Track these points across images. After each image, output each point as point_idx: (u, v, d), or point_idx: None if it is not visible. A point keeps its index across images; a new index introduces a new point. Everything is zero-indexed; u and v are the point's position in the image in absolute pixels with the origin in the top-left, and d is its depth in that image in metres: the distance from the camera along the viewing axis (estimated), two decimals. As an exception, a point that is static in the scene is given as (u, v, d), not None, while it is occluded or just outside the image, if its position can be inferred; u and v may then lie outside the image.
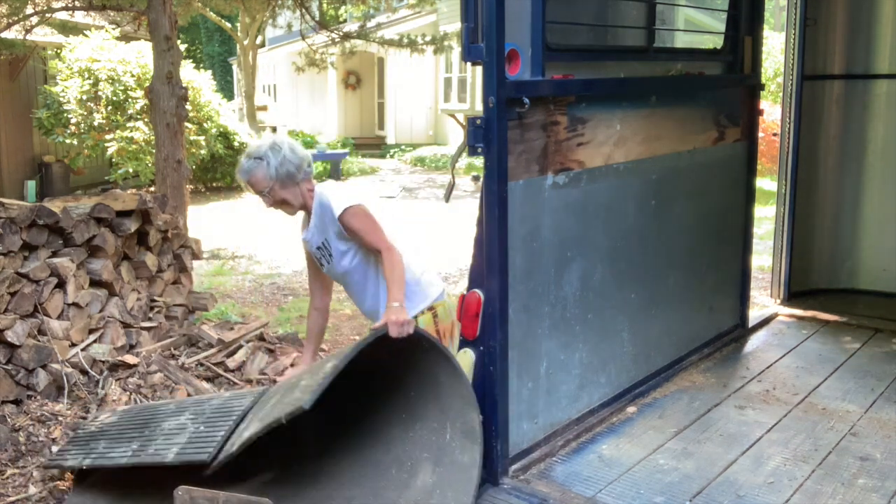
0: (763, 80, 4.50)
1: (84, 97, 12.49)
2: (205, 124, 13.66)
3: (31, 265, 4.29)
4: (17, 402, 4.03)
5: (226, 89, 30.80)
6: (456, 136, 20.47)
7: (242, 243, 9.98)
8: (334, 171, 16.98)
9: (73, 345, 4.45)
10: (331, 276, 3.28)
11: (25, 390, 4.09)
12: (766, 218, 8.12)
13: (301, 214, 3.23)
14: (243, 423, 2.77)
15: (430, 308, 3.18)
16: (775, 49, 15.10)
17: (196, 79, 13.91)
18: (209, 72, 16.91)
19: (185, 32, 31.56)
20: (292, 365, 4.65)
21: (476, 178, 14.84)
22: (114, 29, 13.51)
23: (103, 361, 4.51)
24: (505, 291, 2.79)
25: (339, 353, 2.59)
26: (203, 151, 13.55)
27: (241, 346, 5.18)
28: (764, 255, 7.41)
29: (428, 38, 15.10)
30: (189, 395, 4.54)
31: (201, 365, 4.92)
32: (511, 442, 2.91)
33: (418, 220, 11.30)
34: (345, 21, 20.77)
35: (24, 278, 4.20)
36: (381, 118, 24.09)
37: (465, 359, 2.83)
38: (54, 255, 4.50)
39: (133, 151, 12.38)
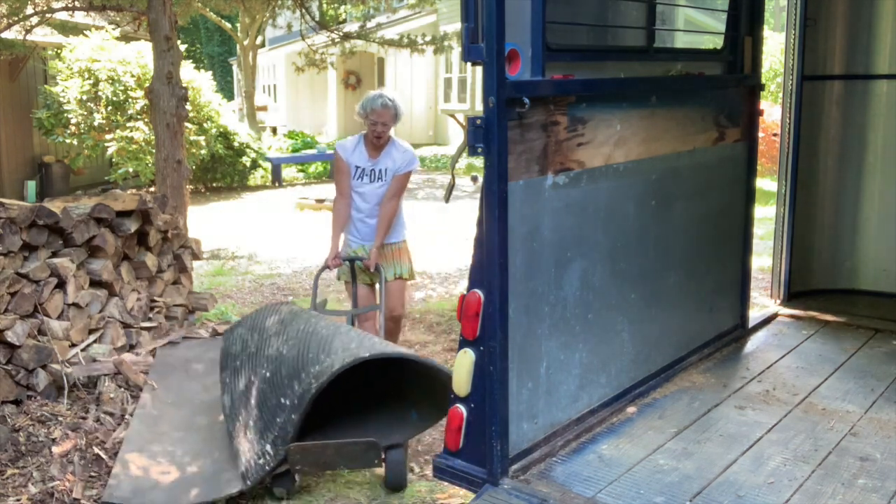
0: (763, 80, 4.50)
1: (84, 97, 12.49)
2: (205, 124, 13.65)
3: (31, 265, 4.28)
4: (17, 403, 4.02)
5: (226, 89, 30.81)
6: (456, 136, 20.47)
7: (242, 244, 9.98)
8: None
9: (73, 345, 4.45)
10: (358, 189, 4.63)
11: (25, 390, 4.09)
12: (766, 218, 8.11)
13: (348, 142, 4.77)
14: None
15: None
16: (775, 49, 15.09)
17: (196, 79, 13.89)
18: (209, 72, 16.89)
19: (185, 32, 31.57)
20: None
21: (475, 178, 14.82)
22: (114, 29, 13.50)
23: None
24: (505, 291, 2.79)
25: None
26: (203, 151, 13.55)
27: (241, 347, 5.17)
28: (764, 256, 7.41)
29: (428, 38, 15.10)
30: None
31: (201, 365, 4.91)
32: (511, 442, 2.90)
33: (418, 221, 11.29)
34: (345, 21, 20.75)
35: (24, 278, 4.20)
36: (381, 118, 24.06)
37: (465, 359, 2.84)
38: (54, 255, 4.50)
39: (133, 151, 12.38)
